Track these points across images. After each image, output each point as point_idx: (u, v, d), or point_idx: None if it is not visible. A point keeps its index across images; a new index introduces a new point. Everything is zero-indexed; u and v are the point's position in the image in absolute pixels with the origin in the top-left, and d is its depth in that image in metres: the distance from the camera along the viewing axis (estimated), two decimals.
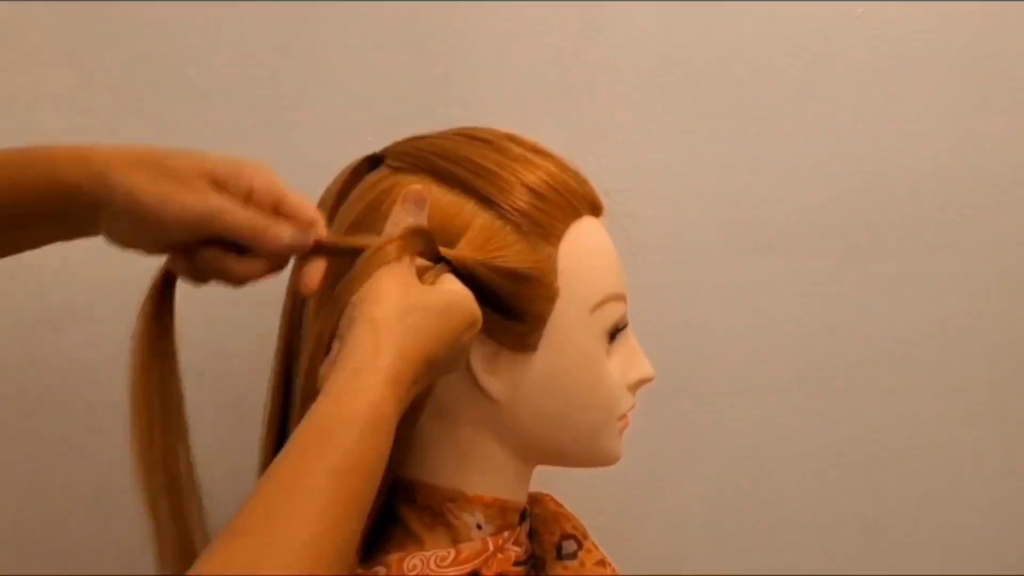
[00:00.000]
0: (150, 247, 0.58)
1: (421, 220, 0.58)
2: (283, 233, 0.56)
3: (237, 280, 0.59)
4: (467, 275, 0.59)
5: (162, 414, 0.62)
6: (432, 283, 0.57)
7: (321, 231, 0.58)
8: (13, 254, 0.60)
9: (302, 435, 0.47)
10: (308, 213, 0.57)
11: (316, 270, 0.58)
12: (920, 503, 0.96)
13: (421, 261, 0.58)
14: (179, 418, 0.63)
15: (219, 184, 0.56)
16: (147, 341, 0.62)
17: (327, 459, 0.46)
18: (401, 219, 0.58)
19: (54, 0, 0.85)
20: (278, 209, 0.57)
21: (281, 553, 0.42)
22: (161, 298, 0.63)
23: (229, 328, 0.88)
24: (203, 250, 0.57)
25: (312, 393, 0.51)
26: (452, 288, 0.57)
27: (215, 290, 0.87)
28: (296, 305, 0.66)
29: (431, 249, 0.58)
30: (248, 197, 0.56)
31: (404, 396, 0.51)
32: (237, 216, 0.55)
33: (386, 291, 0.53)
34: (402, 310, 0.52)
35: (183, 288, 0.87)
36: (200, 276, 0.59)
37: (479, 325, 0.58)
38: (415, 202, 0.58)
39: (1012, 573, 0.97)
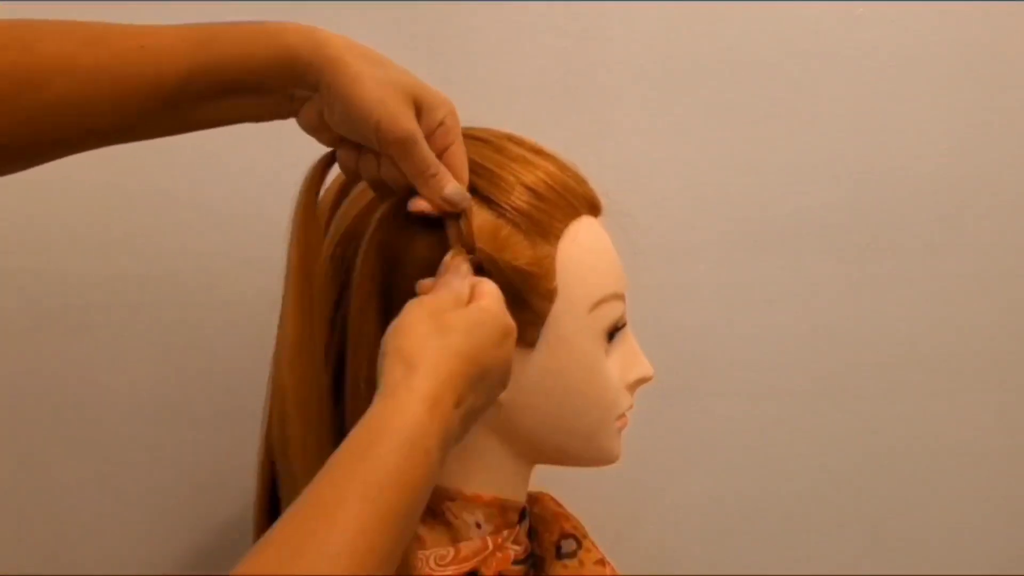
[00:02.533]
0: (332, 138, 0.61)
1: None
2: (446, 185, 0.59)
3: (380, 189, 0.62)
4: (475, 261, 0.60)
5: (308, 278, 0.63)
6: (467, 296, 0.57)
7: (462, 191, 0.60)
8: (209, 127, 0.60)
9: (339, 456, 0.47)
10: (463, 172, 0.61)
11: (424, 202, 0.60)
12: (920, 503, 0.97)
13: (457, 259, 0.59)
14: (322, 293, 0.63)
15: (419, 109, 0.59)
16: (305, 211, 0.63)
17: (359, 474, 0.46)
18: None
19: (54, 0, 0.85)
20: (447, 150, 0.60)
21: (310, 563, 0.42)
22: (320, 176, 0.64)
23: (229, 328, 0.88)
24: (372, 153, 0.60)
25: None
26: (480, 304, 0.57)
27: (215, 290, 0.88)
28: (309, 301, 0.66)
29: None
30: (436, 128, 0.59)
31: (449, 416, 0.51)
32: (419, 152, 0.58)
33: (410, 323, 0.54)
34: (427, 335, 0.53)
35: (183, 288, 0.88)
36: (356, 173, 0.62)
37: (515, 334, 0.58)
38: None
39: (1012, 573, 0.97)
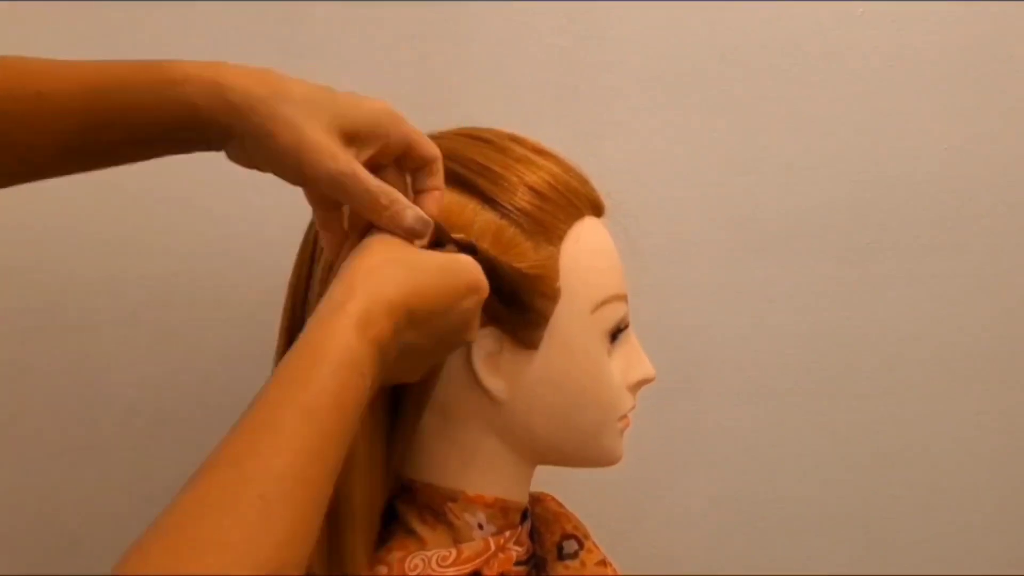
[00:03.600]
0: (274, 174, 0.56)
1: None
2: (405, 218, 0.54)
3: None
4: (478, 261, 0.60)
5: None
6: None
7: (439, 170, 0.58)
8: (125, 164, 0.57)
9: (275, 377, 0.47)
10: (430, 150, 0.57)
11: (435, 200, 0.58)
12: (920, 503, 0.97)
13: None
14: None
15: (355, 138, 0.54)
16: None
17: (297, 398, 0.46)
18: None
19: (54, 0, 0.84)
20: (407, 154, 0.57)
21: (255, 485, 0.43)
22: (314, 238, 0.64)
23: (230, 328, 0.88)
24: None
25: None
26: (452, 255, 0.56)
27: (215, 290, 0.88)
28: (297, 302, 0.66)
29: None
30: (383, 150, 0.56)
31: (385, 341, 0.50)
32: (360, 187, 0.53)
33: (370, 246, 0.53)
34: (382, 261, 0.52)
35: (184, 288, 0.87)
36: (325, 214, 0.59)
37: (484, 292, 0.57)
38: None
39: (1012, 573, 0.97)
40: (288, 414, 0.45)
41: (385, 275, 0.51)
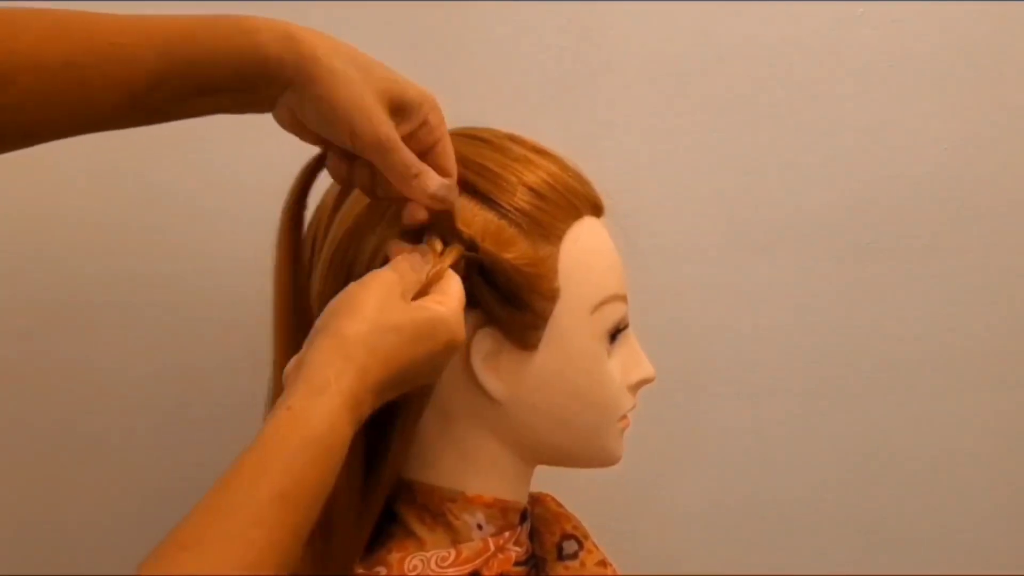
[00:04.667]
0: (312, 138, 0.59)
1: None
2: (430, 184, 0.57)
3: (374, 197, 0.61)
4: (477, 260, 0.60)
5: (295, 280, 0.64)
6: (432, 282, 0.57)
7: (453, 190, 0.59)
8: (181, 119, 0.58)
9: (257, 449, 0.48)
10: (450, 167, 0.59)
11: (421, 211, 0.59)
12: (920, 503, 0.97)
13: (434, 241, 0.59)
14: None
15: (399, 110, 0.57)
16: (291, 217, 0.64)
17: (276, 484, 0.47)
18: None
19: (54, 0, 0.84)
20: (433, 149, 0.59)
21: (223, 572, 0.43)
22: (306, 182, 0.64)
23: (230, 328, 0.88)
24: (365, 162, 0.58)
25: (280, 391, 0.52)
26: (438, 307, 0.56)
27: (216, 290, 0.88)
28: (296, 303, 0.66)
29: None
30: (419, 128, 0.58)
31: (362, 417, 0.52)
32: (398, 157, 0.56)
33: (361, 305, 0.53)
34: (373, 329, 0.52)
35: (183, 287, 0.87)
36: (344, 179, 0.61)
37: (459, 346, 0.57)
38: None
39: (1012, 573, 0.97)
40: (261, 502, 0.46)
41: (374, 348, 0.52)
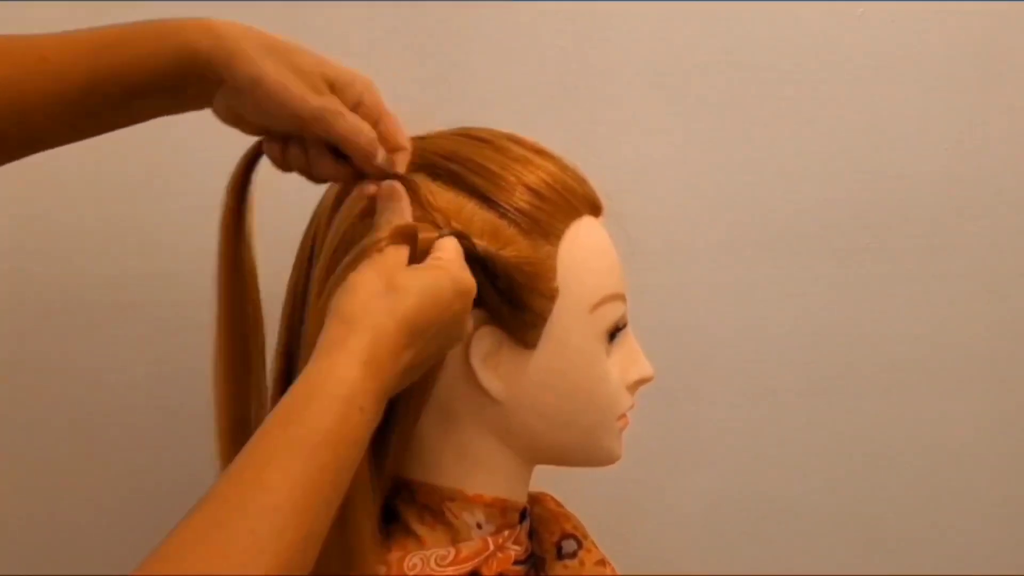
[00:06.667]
0: (253, 129, 0.60)
1: (406, 216, 0.59)
2: (378, 154, 0.59)
3: (318, 178, 0.62)
4: (473, 257, 0.59)
5: (239, 281, 0.65)
6: (427, 252, 0.57)
7: (406, 160, 0.61)
8: (122, 127, 0.60)
9: (275, 412, 0.48)
10: (401, 139, 0.61)
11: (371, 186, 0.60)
12: (920, 503, 0.97)
13: (425, 233, 0.58)
14: (253, 283, 0.65)
15: (334, 88, 0.58)
16: (231, 212, 0.64)
17: (293, 434, 0.47)
18: (388, 219, 0.58)
19: (54, 0, 0.84)
20: (375, 128, 0.60)
21: (245, 520, 0.43)
22: (246, 173, 0.64)
23: None
24: (297, 142, 0.60)
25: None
26: (437, 263, 0.56)
27: (216, 289, 0.88)
28: (296, 304, 0.66)
29: (414, 245, 0.58)
30: (355, 108, 0.59)
31: (387, 372, 0.51)
32: (346, 120, 0.58)
33: (361, 281, 0.53)
34: (375, 294, 0.52)
35: (183, 287, 0.87)
36: (286, 164, 0.62)
37: (471, 291, 0.57)
38: (389, 199, 0.59)
39: (1012, 573, 0.97)
40: (282, 450, 0.46)
41: (380, 309, 0.52)
